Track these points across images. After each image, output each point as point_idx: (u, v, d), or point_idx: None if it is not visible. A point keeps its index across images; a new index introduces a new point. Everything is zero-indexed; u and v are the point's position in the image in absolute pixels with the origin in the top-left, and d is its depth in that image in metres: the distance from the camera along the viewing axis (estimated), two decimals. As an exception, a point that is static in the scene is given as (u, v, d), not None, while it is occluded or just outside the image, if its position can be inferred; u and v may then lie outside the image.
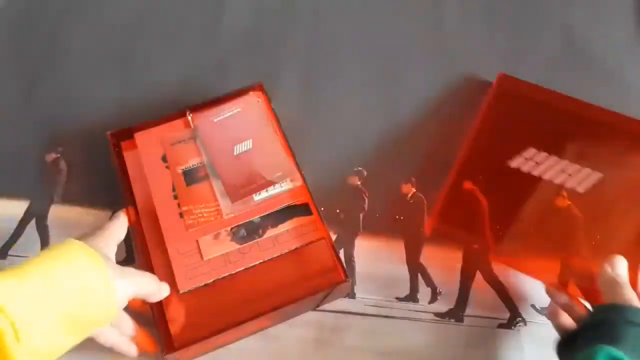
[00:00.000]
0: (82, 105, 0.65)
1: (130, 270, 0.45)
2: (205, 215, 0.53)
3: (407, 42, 0.70)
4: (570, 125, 0.60)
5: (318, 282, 0.51)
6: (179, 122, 0.59)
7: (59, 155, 0.62)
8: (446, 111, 0.65)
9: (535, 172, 0.57)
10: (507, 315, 0.54)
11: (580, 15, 0.72)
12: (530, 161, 0.57)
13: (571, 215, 0.56)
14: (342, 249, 0.57)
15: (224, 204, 0.54)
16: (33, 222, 0.58)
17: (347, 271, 0.51)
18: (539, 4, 0.73)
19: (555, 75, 0.67)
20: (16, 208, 0.59)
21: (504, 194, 0.57)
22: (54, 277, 0.39)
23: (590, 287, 0.50)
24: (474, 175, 0.58)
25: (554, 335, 0.51)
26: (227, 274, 0.51)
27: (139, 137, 0.58)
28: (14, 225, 0.58)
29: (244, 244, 0.52)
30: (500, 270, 0.56)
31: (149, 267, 0.51)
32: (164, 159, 0.57)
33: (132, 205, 0.54)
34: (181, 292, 0.50)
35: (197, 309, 0.50)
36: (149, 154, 0.57)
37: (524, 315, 0.54)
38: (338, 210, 0.59)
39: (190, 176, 0.55)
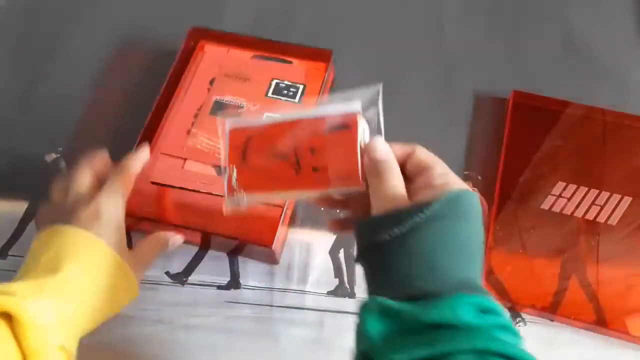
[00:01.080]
0: (82, 105, 0.66)
1: (142, 251, 0.48)
2: (204, 144, 0.58)
3: (407, 43, 0.70)
4: (592, 135, 0.61)
5: (247, 232, 0.53)
6: (245, 54, 0.64)
7: (59, 155, 0.62)
8: (446, 111, 0.65)
9: (567, 211, 0.57)
10: (506, 315, 0.54)
11: (580, 16, 0.72)
12: (561, 198, 0.57)
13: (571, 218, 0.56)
14: (342, 249, 0.57)
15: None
16: (33, 222, 0.58)
17: (276, 243, 0.53)
18: (539, 4, 0.73)
19: (555, 76, 0.67)
20: (16, 208, 0.59)
21: (539, 232, 0.56)
22: (88, 291, 0.42)
23: None
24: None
25: (554, 335, 0.51)
26: (192, 189, 0.56)
27: (209, 49, 0.64)
28: (14, 225, 0.58)
29: (219, 176, 0.56)
30: (500, 270, 0.56)
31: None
32: (212, 82, 0.62)
33: (165, 103, 0.60)
34: (150, 180, 0.56)
35: (153, 199, 0.56)
36: (204, 70, 0.63)
37: (523, 315, 0.54)
38: (338, 210, 0.59)
39: (218, 106, 0.60)
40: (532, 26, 0.71)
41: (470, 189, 0.37)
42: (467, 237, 0.35)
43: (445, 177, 0.37)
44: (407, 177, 0.39)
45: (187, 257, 0.57)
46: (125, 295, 0.45)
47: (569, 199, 0.57)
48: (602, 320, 0.52)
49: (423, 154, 0.40)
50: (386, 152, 0.39)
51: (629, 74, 0.67)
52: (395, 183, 0.38)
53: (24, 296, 0.37)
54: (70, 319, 0.40)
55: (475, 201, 0.36)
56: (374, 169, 0.38)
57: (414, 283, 0.33)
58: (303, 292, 0.55)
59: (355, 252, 0.38)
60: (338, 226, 0.45)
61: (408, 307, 0.31)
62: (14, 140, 0.64)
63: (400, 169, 0.39)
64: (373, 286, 0.36)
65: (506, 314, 0.32)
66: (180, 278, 0.56)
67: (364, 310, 0.33)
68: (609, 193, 0.57)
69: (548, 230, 0.56)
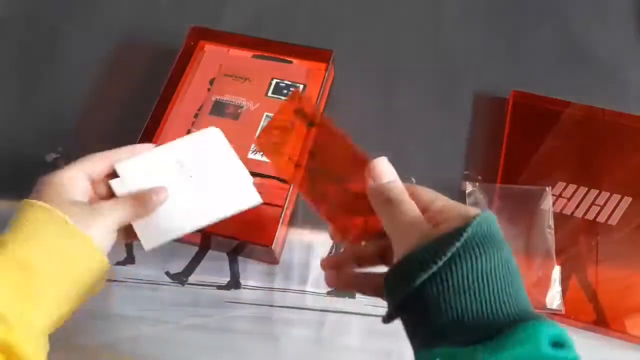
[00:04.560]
0: (82, 105, 0.66)
1: (101, 206, 0.42)
2: None
3: (407, 43, 0.70)
4: (592, 135, 0.61)
5: (247, 232, 0.53)
6: (245, 54, 0.64)
7: (59, 155, 0.62)
8: (446, 111, 0.65)
9: (567, 211, 0.57)
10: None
11: (580, 16, 0.72)
12: (561, 198, 0.57)
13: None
14: (342, 249, 0.57)
15: None
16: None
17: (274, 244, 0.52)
18: (539, 4, 0.73)
19: (555, 76, 0.67)
20: (16, 208, 0.59)
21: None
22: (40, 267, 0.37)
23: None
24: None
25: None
26: None
27: (209, 49, 0.65)
28: (14, 225, 0.58)
29: None
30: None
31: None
32: (212, 82, 0.62)
33: (165, 103, 0.60)
34: None
35: None
36: (204, 70, 0.63)
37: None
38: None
39: (218, 107, 0.60)
40: (532, 26, 0.71)
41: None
42: (508, 262, 0.31)
43: (457, 206, 0.34)
44: None
45: (187, 257, 0.57)
46: (85, 264, 0.39)
47: (569, 199, 0.57)
48: (602, 320, 0.52)
49: (424, 192, 0.36)
50: (393, 174, 0.36)
51: (629, 74, 0.67)
52: (411, 207, 0.34)
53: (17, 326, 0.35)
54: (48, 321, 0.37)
55: (496, 223, 0.33)
56: (383, 196, 0.35)
57: (475, 321, 0.29)
58: (303, 292, 0.55)
59: (387, 310, 0.33)
60: (332, 265, 0.40)
61: (483, 348, 0.27)
62: (14, 140, 0.64)
63: None
64: (424, 338, 0.31)
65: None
66: (180, 278, 0.56)
67: None
68: (609, 193, 0.57)
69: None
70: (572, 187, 0.57)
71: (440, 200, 0.35)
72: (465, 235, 0.30)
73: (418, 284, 0.30)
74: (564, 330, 0.28)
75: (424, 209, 0.34)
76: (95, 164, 0.43)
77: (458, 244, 0.30)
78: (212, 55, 0.64)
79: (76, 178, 0.42)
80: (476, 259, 0.30)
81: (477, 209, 0.33)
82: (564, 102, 0.62)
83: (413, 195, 0.35)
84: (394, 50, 0.70)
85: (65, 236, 0.38)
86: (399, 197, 0.34)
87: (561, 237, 0.55)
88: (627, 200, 0.56)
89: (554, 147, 0.60)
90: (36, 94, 0.67)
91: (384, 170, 0.36)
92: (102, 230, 0.40)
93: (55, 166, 0.61)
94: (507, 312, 0.29)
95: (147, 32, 0.71)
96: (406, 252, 0.31)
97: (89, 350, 0.44)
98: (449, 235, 0.31)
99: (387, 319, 0.33)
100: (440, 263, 0.30)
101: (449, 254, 0.30)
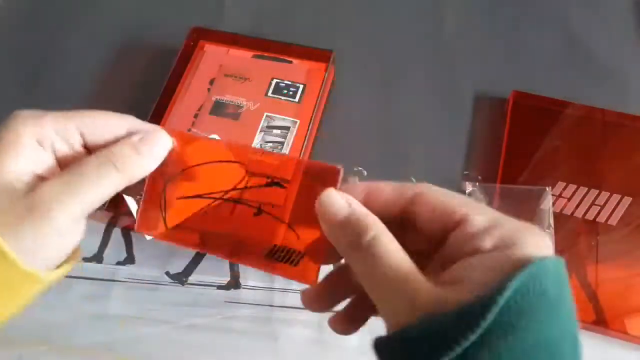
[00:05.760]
0: (82, 104, 0.66)
1: (42, 190, 0.28)
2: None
3: (407, 43, 0.70)
4: (592, 135, 0.61)
5: None
6: (245, 54, 0.64)
7: (59, 155, 0.62)
8: (446, 111, 0.65)
9: (567, 211, 0.57)
10: None
11: (580, 16, 0.72)
12: (561, 198, 0.57)
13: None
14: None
15: None
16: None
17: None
18: (539, 4, 0.73)
19: (555, 76, 0.67)
20: None
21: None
22: None
23: None
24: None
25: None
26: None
27: (209, 49, 0.65)
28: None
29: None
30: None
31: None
32: (212, 82, 0.62)
33: (165, 103, 0.60)
34: None
35: None
36: (204, 70, 0.63)
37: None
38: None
39: (218, 107, 0.60)
40: (532, 26, 0.71)
41: (550, 247, 0.24)
42: (559, 343, 0.22)
43: (499, 229, 0.24)
44: (417, 240, 0.25)
45: (187, 257, 0.57)
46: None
47: (569, 199, 0.57)
48: (602, 320, 0.52)
49: (438, 196, 0.26)
50: (350, 207, 0.26)
51: (629, 74, 0.67)
52: (397, 256, 0.24)
53: None
54: None
55: (560, 271, 0.24)
56: (347, 239, 0.25)
57: None
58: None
59: None
60: (343, 323, 0.32)
61: None
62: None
63: (398, 225, 0.25)
64: None
65: None
66: (180, 278, 0.56)
67: None
68: (609, 193, 0.57)
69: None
70: (572, 187, 0.57)
71: (473, 220, 0.24)
72: (487, 320, 0.21)
73: None
74: None
75: (440, 227, 0.25)
76: (57, 124, 0.31)
77: (473, 337, 0.21)
78: (212, 55, 0.64)
79: (21, 145, 0.29)
80: (500, 355, 0.21)
81: (539, 241, 0.23)
82: (564, 102, 0.62)
83: (420, 201, 0.26)
84: (394, 50, 0.70)
85: None
86: (375, 242, 0.25)
87: (561, 237, 0.55)
88: (627, 200, 0.56)
89: (554, 147, 0.60)
90: (36, 94, 0.67)
91: (338, 200, 0.26)
92: (39, 229, 0.28)
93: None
94: None
95: (147, 32, 0.71)
96: (399, 327, 0.24)
97: (88, 350, 0.44)
98: (465, 312, 0.22)
99: None
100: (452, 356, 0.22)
101: (460, 348, 0.21)
